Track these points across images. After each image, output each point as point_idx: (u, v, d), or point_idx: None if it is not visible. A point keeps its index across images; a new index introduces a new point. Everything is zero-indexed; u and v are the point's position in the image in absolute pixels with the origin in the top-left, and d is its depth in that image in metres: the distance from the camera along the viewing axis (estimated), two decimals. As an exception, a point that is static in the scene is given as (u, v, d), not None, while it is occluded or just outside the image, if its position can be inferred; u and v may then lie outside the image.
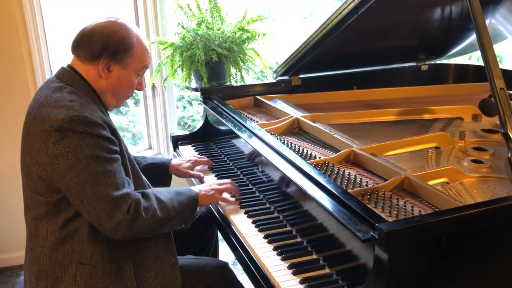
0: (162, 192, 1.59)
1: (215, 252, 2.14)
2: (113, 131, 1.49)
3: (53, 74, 1.58)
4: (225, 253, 2.65)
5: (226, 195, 1.78)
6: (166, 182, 2.05)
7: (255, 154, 1.85)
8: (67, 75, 1.53)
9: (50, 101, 1.44)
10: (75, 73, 1.53)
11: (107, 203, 1.40)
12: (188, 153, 2.30)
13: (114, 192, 1.42)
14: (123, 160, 1.52)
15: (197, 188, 1.71)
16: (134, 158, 1.98)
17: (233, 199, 1.78)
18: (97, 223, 1.43)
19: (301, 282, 1.33)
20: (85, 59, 1.53)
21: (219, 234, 2.09)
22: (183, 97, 4.26)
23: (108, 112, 1.63)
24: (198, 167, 2.09)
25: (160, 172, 2.01)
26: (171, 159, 2.06)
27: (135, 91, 1.66)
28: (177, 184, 2.21)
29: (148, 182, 1.72)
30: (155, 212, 1.50)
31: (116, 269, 1.50)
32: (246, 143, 1.90)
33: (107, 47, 1.51)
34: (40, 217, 1.48)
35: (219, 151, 2.27)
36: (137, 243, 1.55)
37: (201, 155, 2.24)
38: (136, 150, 3.32)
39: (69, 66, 1.56)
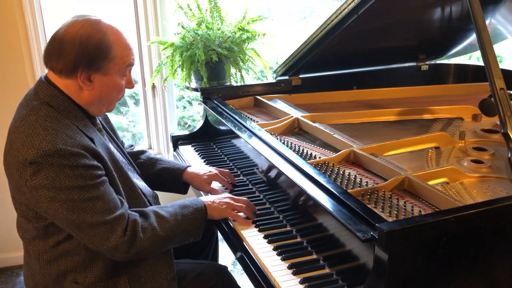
0: (165, 207, 1.52)
1: (215, 254, 2.11)
2: (96, 155, 1.39)
3: (32, 87, 1.47)
4: (225, 253, 2.65)
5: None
6: (179, 190, 1.90)
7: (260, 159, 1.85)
8: (45, 90, 1.41)
9: (25, 126, 1.34)
10: (54, 87, 1.41)
11: (99, 228, 1.34)
12: (188, 153, 2.30)
13: (106, 216, 1.35)
14: (113, 180, 1.44)
15: (209, 199, 1.62)
16: (148, 159, 1.88)
17: (244, 216, 1.64)
18: (93, 248, 1.38)
19: (301, 282, 1.33)
20: (61, 74, 1.40)
21: (219, 234, 2.08)
22: (183, 97, 4.26)
23: (101, 119, 1.56)
24: (216, 184, 1.90)
25: (172, 178, 1.87)
26: (189, 166, 1.91)
27: (130, 89, 1.57)
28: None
29: (145, 194, 1.64)
30: (155, 231, 1.43)
31: (111, 286, 1.47)
32: (246, 143, 1.90)
33: (82, 58, 1.36)
34: (31, 238, 1.44)
35: (219, 151, 2.27)
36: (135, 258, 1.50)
37: (201, 155, 2.24)
38: (136, 150, 3.32)
39: (46, 78, 1.43)
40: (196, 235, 1.56)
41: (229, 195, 1.70)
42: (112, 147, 1.55)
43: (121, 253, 1.38)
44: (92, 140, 1.42)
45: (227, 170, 1.93)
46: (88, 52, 1.37)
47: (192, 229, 1.53)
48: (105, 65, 1.40)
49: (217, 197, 1.65)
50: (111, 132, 1.68)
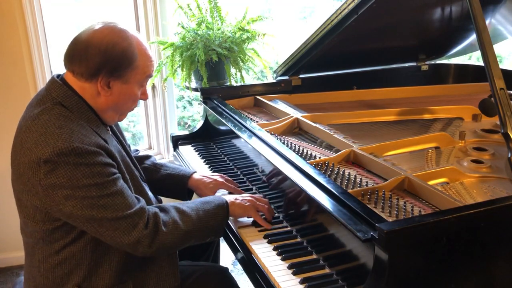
0: (186, 203, 1.51)
1: (216, 256, 2.10)
2: (110, 154, 1.38)
3: (43, 86, 1.45)
4: (225, 253, 2.65)
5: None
6: (183, 196, 1.85)
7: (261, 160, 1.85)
8: (58, 90, 1.39)
9: (37, 125, 1.32)
10: (68, 87, 1.39)
11: (121, 222, 1.33)
12: (188, 153, 2.30)
13: (127, 210, 1.34)
14: (126, 182, 1.43)
15: (232, 197, 1.61)
16: (153, 164, 1.87)
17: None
18: (113, 243, 1.36)
19: (301, 282, 1.33)
20: (81, 77, 1.38)
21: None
22: (183, 97, 4.26)
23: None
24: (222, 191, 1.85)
25: (177, 185, 1.83)
26: (195, 171, 1.87)
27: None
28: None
29: (153, 197, 1.64)
30: (177, 225, 1.42)
31: None
32: (246, 143, 1.90)
33: (105, 64, 1.36)
34: (35, 241, 1.42)
35: (219, 151, 2.27)
36: (141, 264, 1.49)
37: (201, 155, 2.24)
38: (136, 150, 3.32)
39: (61, 78, 1.42)
40: (217, 232, 1.54)
41: (250, 194, 1.69)
42: (122, 151, 1.54)
43: (144, 247, 1.36)
44: (105, 141, 1.41)
45: (231, 180, 1.90)
46: (112, 59, 1.37)
47: (213, 225, 1.51)
48: (127, 74, 1.41)
49: (240, 196, 1.65)
50: (119, 135, 1.66)
